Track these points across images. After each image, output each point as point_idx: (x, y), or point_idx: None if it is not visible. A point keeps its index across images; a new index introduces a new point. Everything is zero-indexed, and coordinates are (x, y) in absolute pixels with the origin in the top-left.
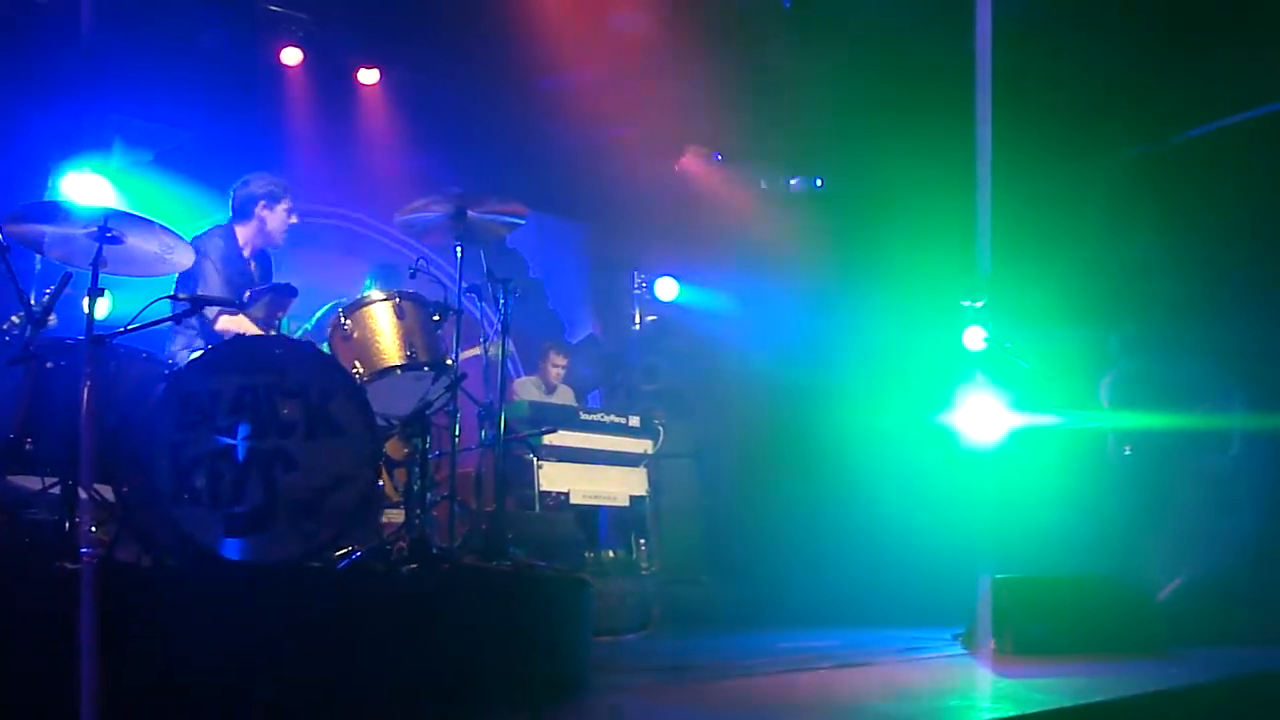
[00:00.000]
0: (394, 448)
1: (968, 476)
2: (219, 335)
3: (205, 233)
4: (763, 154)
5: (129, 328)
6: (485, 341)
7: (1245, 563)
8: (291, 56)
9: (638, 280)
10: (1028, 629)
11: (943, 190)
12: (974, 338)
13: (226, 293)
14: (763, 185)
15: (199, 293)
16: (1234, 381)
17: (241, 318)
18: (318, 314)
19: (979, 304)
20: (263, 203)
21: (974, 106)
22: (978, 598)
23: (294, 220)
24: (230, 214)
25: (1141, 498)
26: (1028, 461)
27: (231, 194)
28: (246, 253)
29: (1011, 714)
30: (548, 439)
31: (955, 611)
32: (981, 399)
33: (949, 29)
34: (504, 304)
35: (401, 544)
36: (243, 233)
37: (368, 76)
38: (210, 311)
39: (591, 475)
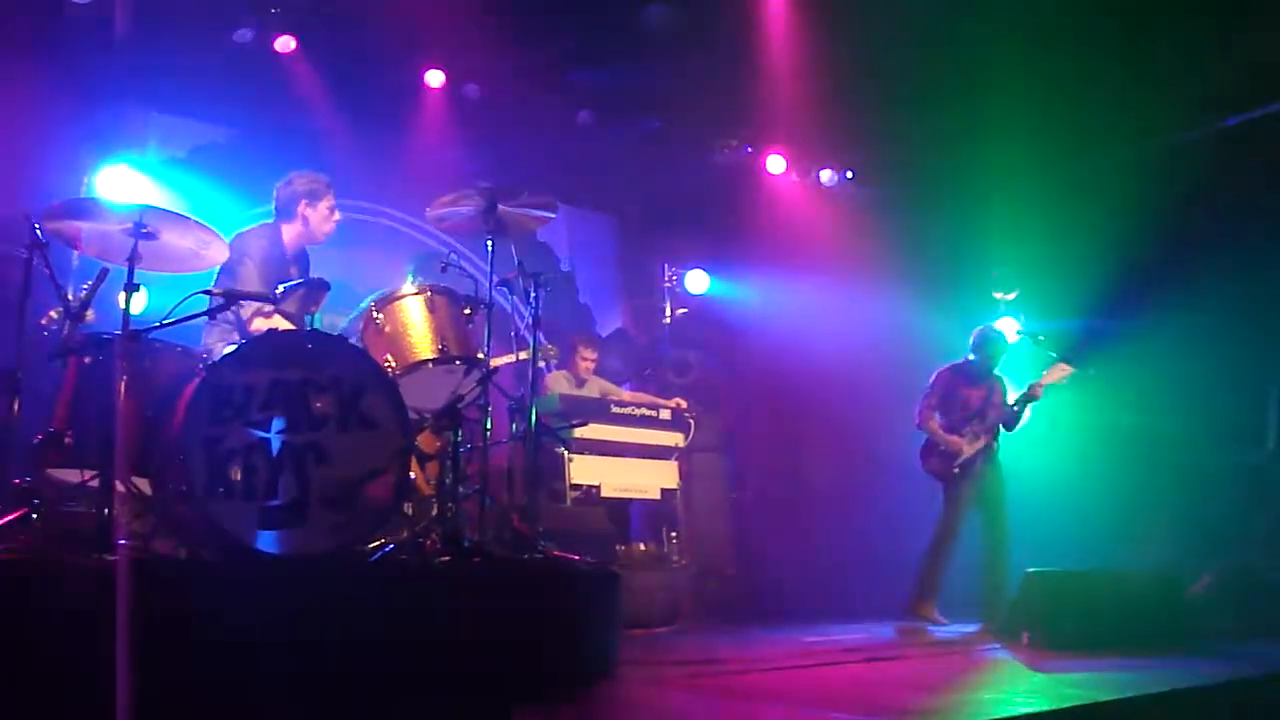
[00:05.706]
0: (426, 441)
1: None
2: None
3: (249, 230)
4: (794, 146)
5: (164, 322)
6: (517, 350)
7: None
8: None
9: (668, 273)
10: (1060, 623)
11: (976, 183)
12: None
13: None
14: (794, 178)
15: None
16: (1270, 377)
17: (277, 318)
18: (360, 308)
19: (1011, 296)
20: (305, 201)
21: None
22: (1010, 591)
23: (338, 217)
24: (274, 213)
25: (1177, 493)
26: (1060, 454)
27: (275, 193)
28: (290, 253)
29: (1046, 708)
30: (579, 432)
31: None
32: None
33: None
34: (535, 298)
35: (433, 537)
36: (288, 231)
37: None
38: (245, 311)
39: (622, 468)
